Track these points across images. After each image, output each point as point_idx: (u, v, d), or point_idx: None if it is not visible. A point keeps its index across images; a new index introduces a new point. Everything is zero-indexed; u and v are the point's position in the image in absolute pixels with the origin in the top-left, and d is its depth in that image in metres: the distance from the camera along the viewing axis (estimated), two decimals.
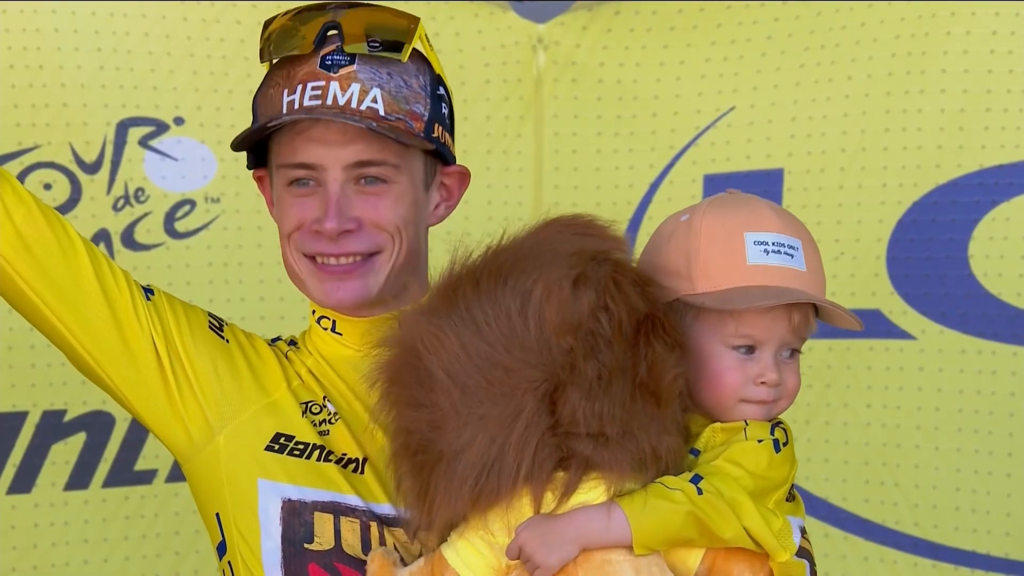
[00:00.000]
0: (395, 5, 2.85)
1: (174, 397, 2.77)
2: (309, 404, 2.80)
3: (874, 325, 4.17)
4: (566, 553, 2.44)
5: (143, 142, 4.22)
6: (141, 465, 4.24)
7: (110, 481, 4.22)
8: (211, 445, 2.76)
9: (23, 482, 4.17)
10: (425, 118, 2.77)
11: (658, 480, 2.47)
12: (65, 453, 4.20)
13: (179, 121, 4.24)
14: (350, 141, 2.71)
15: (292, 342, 2.89)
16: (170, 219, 4.24)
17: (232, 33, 4.22)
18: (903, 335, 4.17)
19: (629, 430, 2.45)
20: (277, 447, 2.75)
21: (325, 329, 2.83)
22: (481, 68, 4.39)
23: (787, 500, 2.57)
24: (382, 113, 2.72)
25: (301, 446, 2.75)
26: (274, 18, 2.80)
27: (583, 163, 4.43)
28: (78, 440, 4.21)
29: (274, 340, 2.89)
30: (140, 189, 4.22)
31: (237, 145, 2.78)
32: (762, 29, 4.29)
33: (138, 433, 4.21)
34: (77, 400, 4.19)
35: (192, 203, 4.26)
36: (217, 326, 2.83)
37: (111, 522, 4.23)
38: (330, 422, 2.78)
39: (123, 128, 4.20)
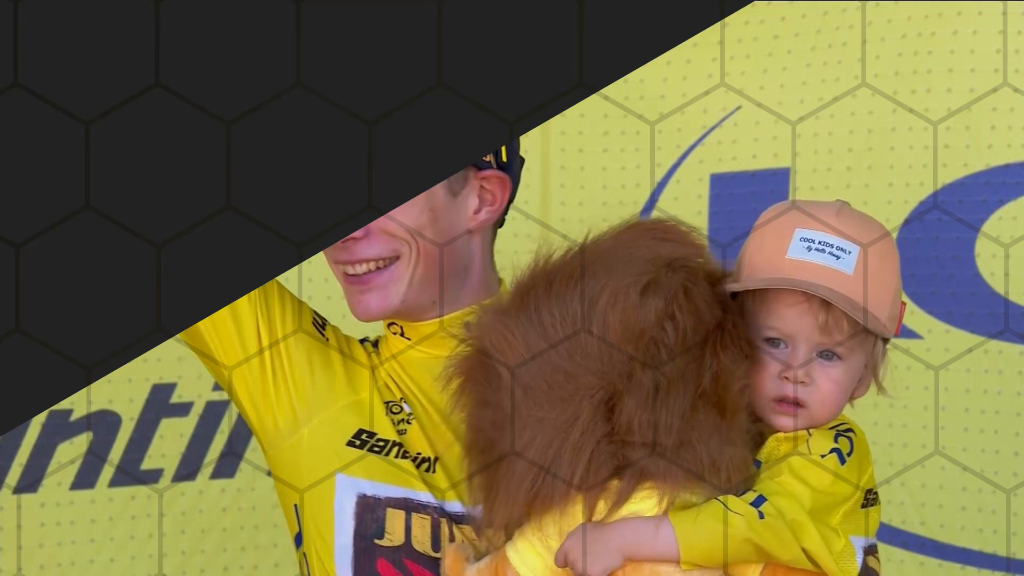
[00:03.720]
0: None
1: (268, 382, 2.78)
2: (390, 404, 2.81)
3: None
4: (610, 562, 2.43)
5: None
6: (147, 464, 4.23)
7: (116, 480, 4.22)
8: (295, 436, 2.77)
9: (29, 481, 4.16)
10: None
11: (721, 498, 2.44)
12: (71, 452, 4.18)
13: None
14: None
15: (375, 344, 2.91)
16: None
17: None
18: (909, 334, 4.16)
19: (687, 440, 2.42)
20: (359, 443, 2.76)
21: (395, 334, 2.86)
22: None
23: (863, 507, 2.53)
24: None
25: (381, 443, 2.76)
26: None
27: (589, 163, 4.42)
28: (84, 439, 4.20)
29: (362, 341, 2.92)
30: None
31: None
32: (768, 28, 4.29)
33: (144, 432, 4.20)
34: (83, 399, 4.18)
35: None
36: (320, 323, 2.85)
37: (117, 521, 4.22)
38: (407, 422, 2.79)
39: None
